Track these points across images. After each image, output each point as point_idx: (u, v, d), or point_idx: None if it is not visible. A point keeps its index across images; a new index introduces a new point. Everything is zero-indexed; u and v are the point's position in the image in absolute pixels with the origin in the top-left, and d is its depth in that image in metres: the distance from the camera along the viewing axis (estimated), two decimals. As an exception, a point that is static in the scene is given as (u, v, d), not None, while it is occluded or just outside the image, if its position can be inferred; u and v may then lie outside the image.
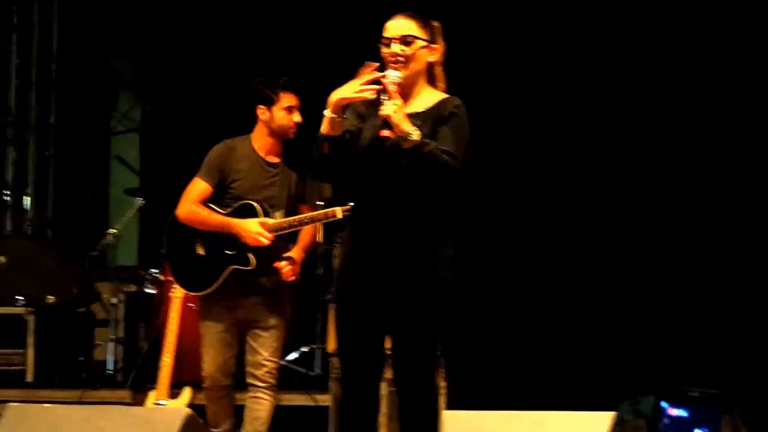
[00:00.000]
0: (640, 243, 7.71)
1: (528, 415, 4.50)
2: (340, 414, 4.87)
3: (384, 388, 5.73)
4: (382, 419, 6.10)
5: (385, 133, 4.42)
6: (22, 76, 9.28)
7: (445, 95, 4.70)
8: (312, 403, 7.12)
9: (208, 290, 6.01)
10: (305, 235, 6.14)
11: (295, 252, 6.04)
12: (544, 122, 7.90)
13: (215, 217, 6.00)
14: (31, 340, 7.75)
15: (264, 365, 6.01)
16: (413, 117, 4.55)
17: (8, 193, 9.19)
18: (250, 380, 6.04)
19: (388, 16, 4.68)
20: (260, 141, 6.13)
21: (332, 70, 4.94)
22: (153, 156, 9.38)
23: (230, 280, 5.98)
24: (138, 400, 6.92)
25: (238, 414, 6.19)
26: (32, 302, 7.91)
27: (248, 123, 7.76)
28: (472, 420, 4.57)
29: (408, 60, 4.60)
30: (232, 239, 5.93)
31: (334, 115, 4.54)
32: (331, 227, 7.36)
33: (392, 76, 4.54)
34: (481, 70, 7.69)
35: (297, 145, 5.95)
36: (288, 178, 6.09)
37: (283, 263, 5.95)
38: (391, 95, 4.49)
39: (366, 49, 4.73)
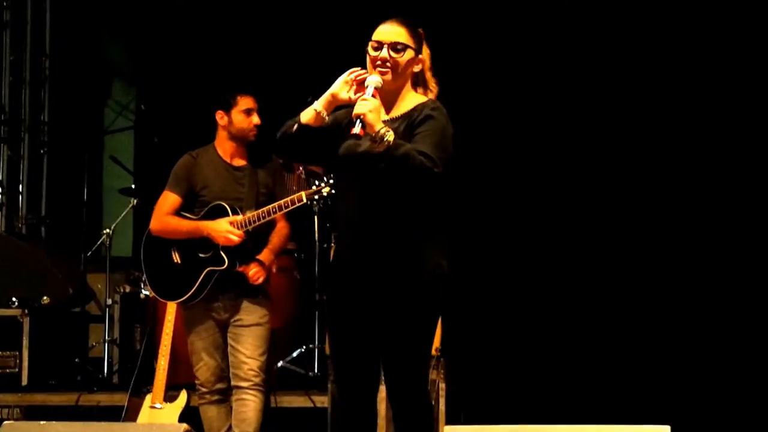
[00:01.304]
0: (658, 254, 7.64)
1: (527, 429, 4.38)
2: (336, 424, 4.80)
3: (382, 390, 5.67)
4: (381, 421, 6.04)
5: (356, 130, 4.33)
6: (15, 74, 9.19)
7: (424, 99, 4.61)
8: (310, 405, 7.02)
9: (187, 295, 5.97)
10: (275, 236, 6.10)
11: (264, 255, 6.01)
12: (544, 122, 7.83)
13: (186, 223, 6.02)
14: (25, 342, 7.67)
15: (245, 363, 5.93)
16: (390, 122, 4.50)
17: (1, 191, 9.10)
18: (234, 382, 5.98)
19: (373, 20, 4.63)
20: (223, 146, 6.15)
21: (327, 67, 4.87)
22: (147, 154, 9.29)
23: (208, 283, 5.94)
24: (134, 404, 6.83)
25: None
26: (27, 303, 7.81)
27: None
28: (474, 435, 4.45)
29: (395, 67, 4.52)
30: (205, 243, 5.93)
31: (322, 110, 4.53)
32: (327, 226, 7.35)
33: (373, 80, 4.48)
34: (481, 70, 7.62)
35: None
36: (256, 178, 6.06)
37: (251, 266, 5.93)
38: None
39: (352, 51, 4.69)
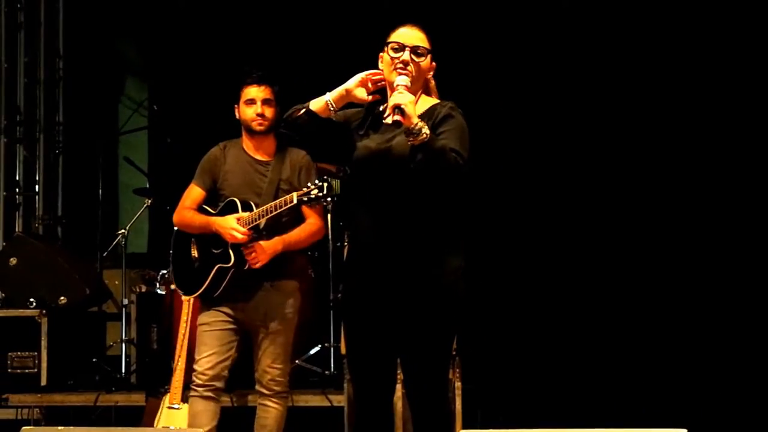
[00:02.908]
0: (679, 258, 7.63)
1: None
2: (355, 424, 4.84)
3: (399, 389, 5.69)
4: (398, 421, 6.06)
5: (397, 117, 4.34)
6: (30, 75, 9.21)
7: (437, 100, 4.69)
8: (326, 404, 7.05)
9: (199, 291, 5.91)
10: (297, 229, 5.94)
11: (272, 241, 5.83)
12: (545, 123, 7.84)
13: (199, 218, 5.96)
14: (44, 342, 7.70)
15: (267, 373, 5.92)
16: None
17: (18, 192, 9.13)
18: (257, 387, 5.98)
19: (381, 20, 4.69)
20: (246, 140, 6.07)
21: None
22: (161, 153, 9.30)
23: (221, 281, 5.85)
24: (153, 404, 6.85)
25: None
26: (44, 304, 7.85)
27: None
28: (487, 439, 4.46)
29: (415, 71, 4.55)
30: (218, 239, 5.84)
31: (332, 101, 4.63)
32: (340, 224, 7.35)
33: (402, 80, 4.51)
34: (482, 70, 7.62)
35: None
36: (278, 174, 5.95)
37: (250, 247, 5.76)
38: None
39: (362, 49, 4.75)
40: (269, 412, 5.95)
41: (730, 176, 7.58)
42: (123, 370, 7.94)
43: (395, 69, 4.55)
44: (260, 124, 5.98)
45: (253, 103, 5.97)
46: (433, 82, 4.76)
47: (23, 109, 9.19)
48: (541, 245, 7.72)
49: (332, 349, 7.48)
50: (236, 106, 6.05)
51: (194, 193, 6.04)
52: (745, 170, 7.57)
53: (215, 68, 8.77)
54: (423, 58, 4.60)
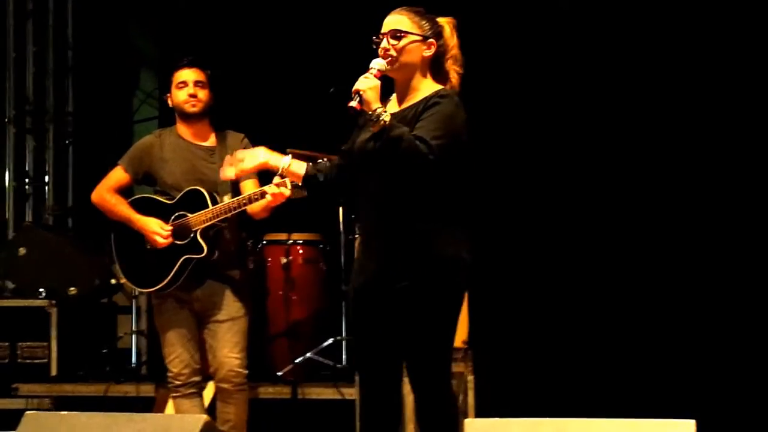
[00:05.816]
0: (689, 247, 7.58)
1: (550, 422, 4.37)
2: (362, 417, 4.84)
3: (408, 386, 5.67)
4: (410, 414, 6.04)
5: (352, 104, 4.32)
6: (39, 64, 9.16)
7: (437, 87, 4.59)
8: (338, 397, 7.02)
9: (162, 283, 5.82)
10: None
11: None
12: (544, 123, 7.78)
13: (121, 209, 5.90)
14: (54, 332, 7.68)
15: (224, 363, 5.83)
16: (400, 111, 4.52)
17: (28, 182, 9.08)
18: (215, 380, 5.90)
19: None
20: (182, 126, 5.99)
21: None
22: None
23: (184, 272, 5.78)
24: (162, 395, 6.84)
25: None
26: (54, 294, 7.82)
27: (273, 109, 7.66)
28: (493, 427, 4.42)
29: (398, 54, 4.51)
30: (179, 229, 5.77)
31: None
32: (351, 217, 7.32)
33: (377, 63, 4.48)
34: (482, 69, 7.58)
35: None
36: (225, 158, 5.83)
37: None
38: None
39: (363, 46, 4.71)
40: (229, 406, 5.89)
41: (743, 169, 7.54)
42: (134, 361, 7.92)
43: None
44: (193, 105, 5.92)
45: (185, 85, 5.91)
46: (447, 64, 4.65)
47: (32, 98, 9.13)
48: (553, 238, 7.69)
49: (344, 342, 7.44)
50: (168, 94, 5.99)
51: (119, 175, 5.99)
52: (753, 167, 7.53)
53: (225, 57, 8.73)
54: (400, 41, 4.52)
